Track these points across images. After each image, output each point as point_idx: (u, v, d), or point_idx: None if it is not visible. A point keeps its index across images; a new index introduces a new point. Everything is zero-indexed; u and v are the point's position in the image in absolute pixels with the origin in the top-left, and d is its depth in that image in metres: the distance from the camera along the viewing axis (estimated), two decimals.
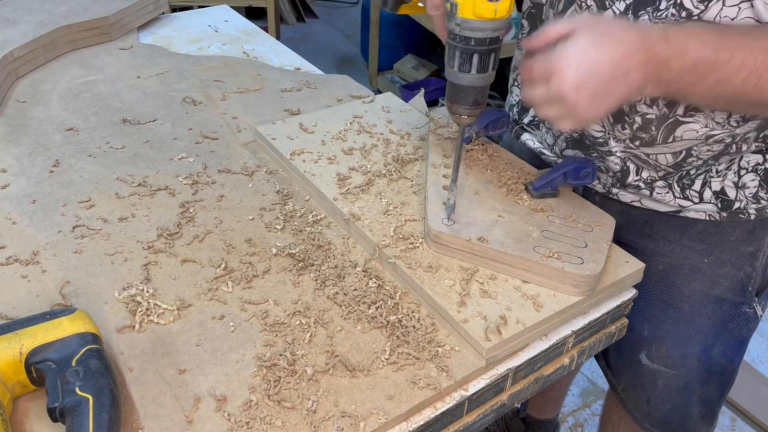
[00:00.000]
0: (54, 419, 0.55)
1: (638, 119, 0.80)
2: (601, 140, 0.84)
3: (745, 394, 1.73)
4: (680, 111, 0.77)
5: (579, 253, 0.73)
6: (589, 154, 0.88)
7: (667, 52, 0.64)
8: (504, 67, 3.27)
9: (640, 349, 0.97)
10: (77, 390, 0.55)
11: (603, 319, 0.76)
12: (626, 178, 0.86)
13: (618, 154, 0.84)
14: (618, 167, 0.86)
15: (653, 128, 0.79)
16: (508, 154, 0.91)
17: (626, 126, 0.81)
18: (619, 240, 0.83)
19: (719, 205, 0.85)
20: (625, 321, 0.81)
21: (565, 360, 0.75)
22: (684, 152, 0.81)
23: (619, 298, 0.77)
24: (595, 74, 0.63)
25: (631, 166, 0.85)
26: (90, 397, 0.55)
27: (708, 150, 0.80)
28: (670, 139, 0.80)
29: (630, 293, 0.78)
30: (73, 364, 0.57)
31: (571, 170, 0.82)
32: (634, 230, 0.90)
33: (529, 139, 0.96)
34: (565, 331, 0.73)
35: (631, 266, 0.77)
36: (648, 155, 0.82)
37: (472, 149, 0.90)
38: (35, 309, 0.68)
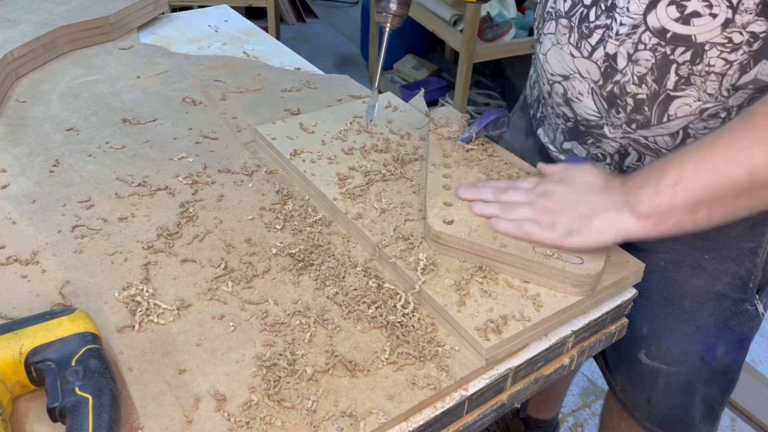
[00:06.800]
0: (54, 419, 0.55)
1: (630, 101, 0.80)
2: (594, 123, 0.84)
3: (745, 394, 1.73)
4: (670, 85, 0.77)
5: (579, 253, 0.73)
6: (585, 141, 0.89)
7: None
8: (504, 67, 3.24)
9: (639, 348, 0.97)
10: (77, 390, 0.55)
11: (603, 319, 0.76)
12: (624, 161, 0.86)
13: (617, 139, 0.84)
14: (614, 149, 0.86)
15: (646, 108, 0.79)
16: (508, 154, 0.91)
17: (620, 110, 0.81)
18: None
19: None
20: (625, 321, 0.80)
21: (565, 360, 0.75)
22: (681, 132, 0.80)
23: (619, 298, 0.77)
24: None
25: (632, 153, 0.85)
26: (90, 397, 0.55)
27: (705, 127, 0.79)
28: (665, 119, 0.79)
29: (630, 293, 0.78)
30: (73, 363, 0.57)
31: None
32: None
33: (541, 134, 0.97)
34: (565, 330, 0.73)
35: (631, 266, 0.77)
36: (647, 138, 0.82)
37: (472, 149, 0.90)
38: (35, 309, 0.68)
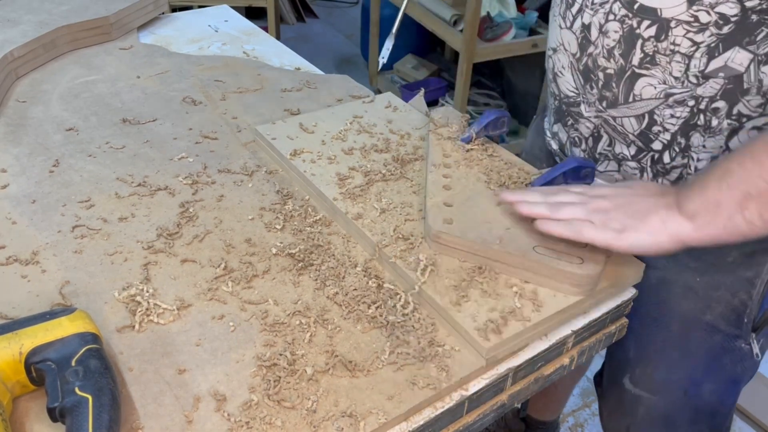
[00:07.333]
0: (54, 419, 0.55)
1: (601, 75, 0.80)
2: (572, 101, 0.85)
3: (745, 394, 1.73)
4: (635, 61, 0.77)
5: (579, 253, 0.72)
6: (566, 122, 0.89)
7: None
8: (504, 67, 3.23)
9: (624, 372, 0.95)
10: (77, 390, 0.55)
11: (603, 319, 0.76)
12: (597, 145, 0.86)
13: (592, 119, 0.84)
14: (589, 132, 0.86)
15: (614, 84, 0.80)
16: (508, 154, 0.91)
17: (593, 85, 0.81)
18: None
19: None
20: (625, 321, 0.80)
21: (565, 360, 0.75)
22: (647, 117, 0.80)
23: (619, 297, 0.77)
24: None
25: (604, 135, 0.85)
26: (90, 397, 0.55)
27: (672, 116, 0.78)
28: (631, 98, 0.79)
29: (630, 293, 0.78)
30: (73, 363, 0.57)
31: (570, 170, 0.81)
32: None
33: (545, 121, 0.98)
34: (565, 330, 0.73)
35: (631, 266, 0.77)
36: (615, 119, 0.82)
37: (472, 149, 0.90)
38: (35, 309, 0.68)
